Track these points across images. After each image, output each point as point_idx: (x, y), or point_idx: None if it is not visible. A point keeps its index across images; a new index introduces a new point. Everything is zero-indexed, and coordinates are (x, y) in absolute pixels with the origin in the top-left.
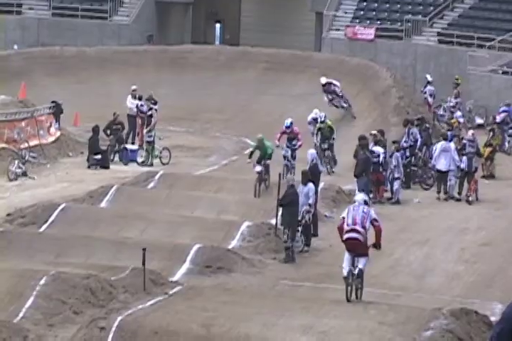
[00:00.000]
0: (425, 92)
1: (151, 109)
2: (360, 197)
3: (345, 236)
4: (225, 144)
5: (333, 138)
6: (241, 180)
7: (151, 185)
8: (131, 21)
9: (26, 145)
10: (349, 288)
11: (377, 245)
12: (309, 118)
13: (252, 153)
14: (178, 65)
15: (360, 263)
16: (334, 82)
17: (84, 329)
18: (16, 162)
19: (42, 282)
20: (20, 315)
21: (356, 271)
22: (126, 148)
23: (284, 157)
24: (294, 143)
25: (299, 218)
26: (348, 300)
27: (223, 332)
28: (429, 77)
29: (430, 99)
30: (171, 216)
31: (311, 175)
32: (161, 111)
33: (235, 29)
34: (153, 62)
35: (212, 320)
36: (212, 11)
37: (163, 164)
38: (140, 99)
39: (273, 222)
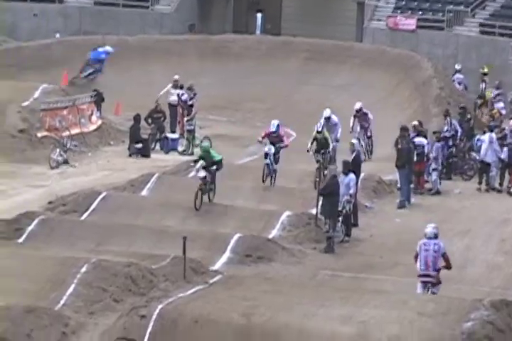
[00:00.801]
0: (453, 80)
1: (191, 98)
2: (430, 230)
3: (419, 278)
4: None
5: (329, 152)
6: (281, 170)
7: (192, 174)
8: (173, 10)
9: (68, 133)
10: None
11: (448, 267)
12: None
13: (196, 161)
14: (220, 55)
15: (434, 289)
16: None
17: (125, 317)
18: (58, 150)
19: (83, 270)
20: (62, 302)
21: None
22: (167, 137)
23: (266, 154)
24: (277, 145)
25: (340, 208)
26: None
27: (263, 322)
28: (457, 66)
29: (458, 87)
30: (212, 205)
31: (353, 166)
32: (203, 100)
33: (276, 19)
34: (195, 52)
35: (252, 310)
36: (254, 1)
37: None
38: (181, 88)
39: (313, 211)
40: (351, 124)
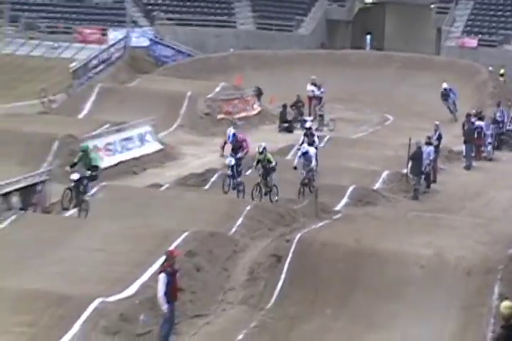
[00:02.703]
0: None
1: (322, 92)
2: None
3: None
4: (372, 118)
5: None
6: (382, 142)
7: (322, 145)
8: (309, 33)
9: (237, 116)
10: None
11: None
12: None
13: (75, 164)
14: (341, 64)
15: None
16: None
17: (275, 241)
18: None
19: (247, 208)
20: (233, 230)
21: None
22: (304, 120)
23: (228, 166)
24: (238, 154)
25: (422, 169)
26: None
27: (370, 245)
28: (501, 71)
29: None
30: (335, 165)
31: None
32: (329, 94)
33: (380, 39)
34: (324, 62)
35: (362, 237)
36: (365, 26)
37: (330, 131)
38: (315, 85)
39: (404, 171)
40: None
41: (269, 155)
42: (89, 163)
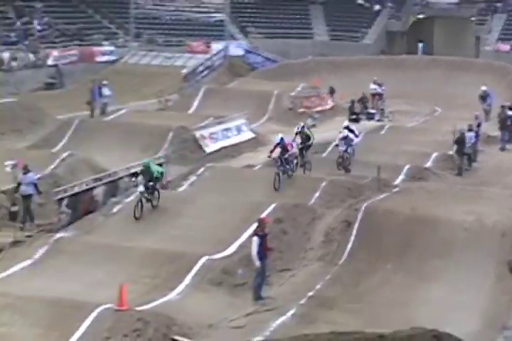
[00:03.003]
0: None
1: (383, 89)
2: None
3: None
4: (424, 110)
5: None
6: (433, 129)
7: (382, 132)
8: (372, 42)
9: (315, 110)
10: None
11: None
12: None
13: (137, 175)
14: (398, 67)
15: None
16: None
17: (346, 210)
18: (310, 119)
19: (323, 184)
20: (312, 201)
21: None
22: (369, 112)
23: (276, 166)
24: (285, 155)
25: (465, 150)
26: None
27: (422, 213)
28: None
29: None
30: (393, 149)
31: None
32: (388, 92)
33: (430, 46)
34: (384, 65)
35: (416, 206)
36: (417, 36)
37: (389, 120)
38: (377, 84)
39: (450, 152)
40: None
41: (308, 132)
42: (152, 175)
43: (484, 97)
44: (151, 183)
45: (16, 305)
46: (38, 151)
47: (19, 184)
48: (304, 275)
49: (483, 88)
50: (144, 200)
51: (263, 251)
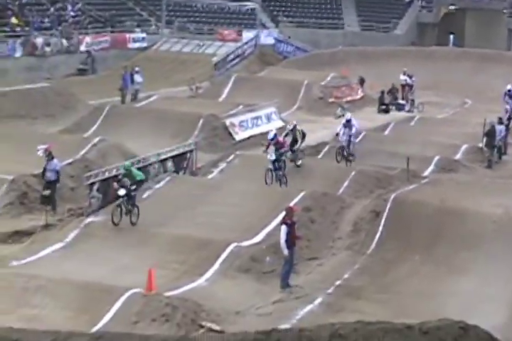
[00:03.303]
0: None
1: (413, 81)
2: None
3: None
4: (454, 101)
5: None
6: (463, 121)
7: (412, 123)
8: (403, 33)
9: (345, 99)
10: None
11: None
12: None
13: (119, 180)
14: (429, 58)
15: None
16: None
17: (375, 200)
18: (339, 109)
19: (352, 173)
20: (340, 191)
21: None
22: (399, 103)
23: (270, 161)
24: (281, 150)
25: (495, 143)
26: None
27: (451, 205)
28: None
29: None
30: (423, 140)
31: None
32: (419, 83)
33: (461, 38)
34: (414, 56)
35: (445, 198)
36: (448, 28)
37: (419, 111)
38: (407, 75)
39: (480, 145)
40: (502, 98)
41: (297, 134)
42: (134, 179)
43: (510, 96)
44: (133, 187)
45: (47, 287)
46: (69, 136)
47: (44, 170)
48: (331, 264)
49: (509, 86)
50: (124, 208)
51: (291, 240)
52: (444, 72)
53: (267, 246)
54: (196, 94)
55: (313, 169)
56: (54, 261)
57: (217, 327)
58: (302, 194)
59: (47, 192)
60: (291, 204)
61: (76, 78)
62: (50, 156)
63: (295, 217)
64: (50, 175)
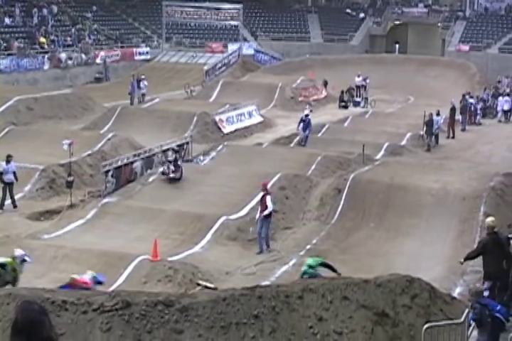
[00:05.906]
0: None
1: (367, 82)
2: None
3: None
4: (399, 98)
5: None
6: (407, 114)
7: (366, 117)
8: (358, 43)
9: (311, 98)
10: None
11: None
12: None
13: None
14: (379, 63)
15: None
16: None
17: (337, 179)
18: (308, 106)
19: (319, 158)
20: (309, 172)
21: None
22: (355, 100)
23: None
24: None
25: (433, 131)
26: None
27: (398, 182)
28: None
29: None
30: (375, 130)
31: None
32: (371, 84)
33: (404, 46)
34: (368, 62)
35: (395, 175)
36: (394, 38)
37: (372, 107)
38: (361, 77)
39: (421, 132)
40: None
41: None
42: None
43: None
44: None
45: (72, 255)
46: (88, 132)
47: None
48: (302, 232)
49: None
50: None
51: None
52: (391, 74)
53: (250, 219)
54: (191, 96)
55: (286, 155)
56: (77, 234)
57: (211, 285)
58: (278, 175)
59: (71, 178)
60: (270, 184)
61: (93, 85)
62: (8, 159)
63: (272, 194)
64: (9, 177)
